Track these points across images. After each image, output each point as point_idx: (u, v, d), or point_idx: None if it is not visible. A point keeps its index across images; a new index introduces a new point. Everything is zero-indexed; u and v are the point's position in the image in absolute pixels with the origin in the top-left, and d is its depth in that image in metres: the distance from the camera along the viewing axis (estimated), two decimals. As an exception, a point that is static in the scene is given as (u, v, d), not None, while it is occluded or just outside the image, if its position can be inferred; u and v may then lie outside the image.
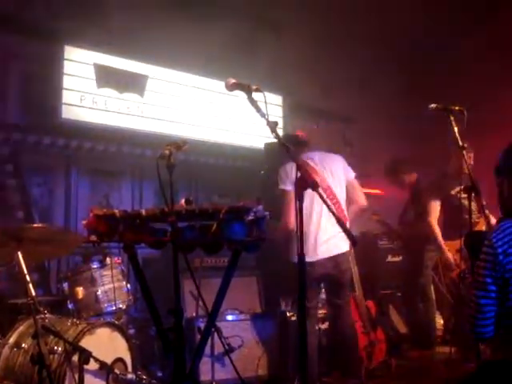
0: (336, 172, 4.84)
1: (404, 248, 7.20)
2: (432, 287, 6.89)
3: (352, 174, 4.95)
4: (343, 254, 4.79)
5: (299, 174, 2.80)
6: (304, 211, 4.22)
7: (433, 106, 4.18)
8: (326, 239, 4.65)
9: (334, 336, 5.02)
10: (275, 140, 3.03)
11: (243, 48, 7.83)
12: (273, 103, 7.47)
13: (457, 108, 4.11)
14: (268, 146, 6.66)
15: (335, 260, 4.72)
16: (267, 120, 3.00)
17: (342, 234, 4.44)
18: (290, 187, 4.62)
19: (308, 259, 4.30)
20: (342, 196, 4.81)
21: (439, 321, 7.11)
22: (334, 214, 2.99)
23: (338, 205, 4.71)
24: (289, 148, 2.99)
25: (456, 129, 4.08)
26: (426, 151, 7.99)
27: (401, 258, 7.40)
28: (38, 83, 6.19)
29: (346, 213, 4.80)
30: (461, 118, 4.07)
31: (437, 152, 6.64)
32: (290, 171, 4.64)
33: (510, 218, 2.66)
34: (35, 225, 4.12)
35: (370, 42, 8.26)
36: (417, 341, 6.74)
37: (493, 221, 5.17)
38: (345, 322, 4.93)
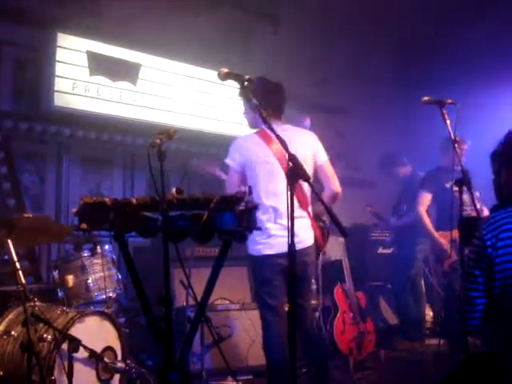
0: (302, 150, 4.09)
1: (395, 240, 7.24)
2: (422, 279, 6.93)
3: (324, 157, 4.34)
4: (308, 248, 4.24)
5: (291, 165, 2.79)
6: (258, 195, 4.12)
7: (425, 98, 4.18)
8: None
9: (301, 340, 4.26)
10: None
11: (238, 38, 7.81)
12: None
13: (449, 101, 4.12)
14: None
15: (299, 254, 3.98)
16: (259, 110, 3.00)
17: (307, 225, 4.23)
18: (235, 163, 4.18)
19: (269, 251, 4.05)
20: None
21: (429, 313, 7.15)
22: (324, 204, 2.99)
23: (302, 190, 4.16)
24: (280, 138, 2.99)
25: (448, 122, 4.09)
26: (420, 143, 8.01)
27: (391, 249, 7.45)
28: (30, 70, 6.16)
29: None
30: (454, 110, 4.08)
31: (430, 144, 6.66)
32: (242, 147, 4.19)
33: (504, 208, 2.63)
34: (26, 215, 4.11)
35: (364, 33, 8.26)
36: (406, 332, 6.79)
37: (486, 213, 5.20)
38: (309, 327, 4.35)
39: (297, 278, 4.19)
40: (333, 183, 4.33)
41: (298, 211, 4.11)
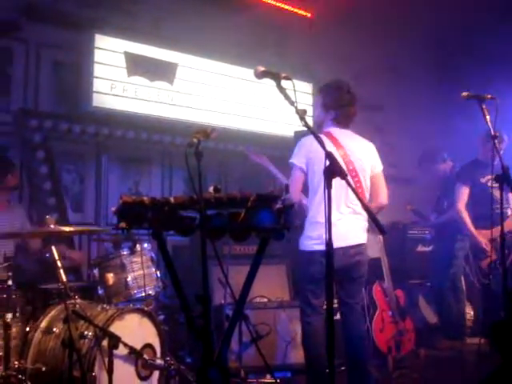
0: (364, 157, 4.39)
1: (435, 237, 7.16)
2: (462, 277, 6.84)
3: (380, 167, 4.50)
4: (360, 245, 4.31)
5: (327, 163, 2.78)
6: (316, 194, 4.19)
7: (464, 93, 4.13)
8: (344, 227, 4.17)
9: (344, 337, 4.37)
10: (305, 128, 3.03)
11: (274, 36, 7.81)
12: (302, 91, 7.43)
13: (489, 96, 4.06)
14: (298, 134, 6.63)
15: (351, 250, 4.23)
16: (296, 108, 3.00)
17: (362, 224, 4.32)
18: (299, 161, 4.27)
19: (319, 247, 4.05)
20: (366, 184, 4.38)
21: (469, 311, 7.05)
22: (362, 202, 2.98)
23: (361, 190, 4.29)
24: (318, 136, 2.98)
25: (488, 117, 4.03)
26: (458, 141, 7.91)
27: (431, 247, 7.37)
28: (69, 72, 6.25)
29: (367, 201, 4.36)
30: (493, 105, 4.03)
31: (469, 142, 6.57)
32: (305, 145, 4.27)
33: None
34: (66, 229, 4.17)
35: (401, 29, 8.18)
36: (446, 331, 6.71)
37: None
38: (353, 326, 4.37)
39: (348, 277, 4.28)
40: (381, 194, 4.48)
41: (358, 208, 4.22)
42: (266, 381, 5.10)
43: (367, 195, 4.40)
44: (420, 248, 7.47)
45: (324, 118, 4.48)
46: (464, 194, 6.15)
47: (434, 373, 5.57)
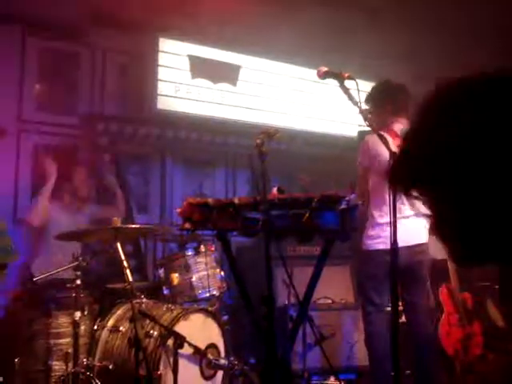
0: None
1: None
2: (533, 279, 6.65)
3: None
4: (422, 244, 4.28)
5: (391, 163, 2.75)
6: (378, 194, 4.13)
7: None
8: (406, 227, 4.03)
9: (411, 337, 4.33)
10: (369, 128, 3.00)
11: (335, 35, 7.75)
12: (365, 90, 7.34)
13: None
14: (362, 134, 6.56)
15: (413, 250, 4.18)
16: (360, 108, 2.98)
17: (424, 223, 4.23)
18: (363, 161, 4.29)
19: (382, 246, 4.02)
20: None
21: (541, 315, 6.85)
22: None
23: None
24: (383, 136, 2.95)
25: None
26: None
27: (499, 249, 7.17)
28: (134, 75, 6.36)
29: None
30: None
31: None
32: (367, 144, 4.28)
33: None
34: (132, 226, 4.26)
35: (466, 30, 8.00)
36: (516, 335, 6.53)
37: None
38: (419, 323, 4.32)
39: (411, 277, 4.22)
40: None
41: (420, 206, 4.13)
42: (330, 383, 5.07)
43: None
44: (488, 249, 7.28)
45: (381, 120, 4.36)
46: None
47: (504, 378, 5.42)
